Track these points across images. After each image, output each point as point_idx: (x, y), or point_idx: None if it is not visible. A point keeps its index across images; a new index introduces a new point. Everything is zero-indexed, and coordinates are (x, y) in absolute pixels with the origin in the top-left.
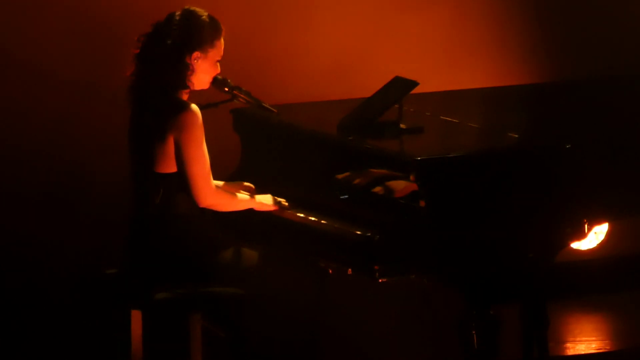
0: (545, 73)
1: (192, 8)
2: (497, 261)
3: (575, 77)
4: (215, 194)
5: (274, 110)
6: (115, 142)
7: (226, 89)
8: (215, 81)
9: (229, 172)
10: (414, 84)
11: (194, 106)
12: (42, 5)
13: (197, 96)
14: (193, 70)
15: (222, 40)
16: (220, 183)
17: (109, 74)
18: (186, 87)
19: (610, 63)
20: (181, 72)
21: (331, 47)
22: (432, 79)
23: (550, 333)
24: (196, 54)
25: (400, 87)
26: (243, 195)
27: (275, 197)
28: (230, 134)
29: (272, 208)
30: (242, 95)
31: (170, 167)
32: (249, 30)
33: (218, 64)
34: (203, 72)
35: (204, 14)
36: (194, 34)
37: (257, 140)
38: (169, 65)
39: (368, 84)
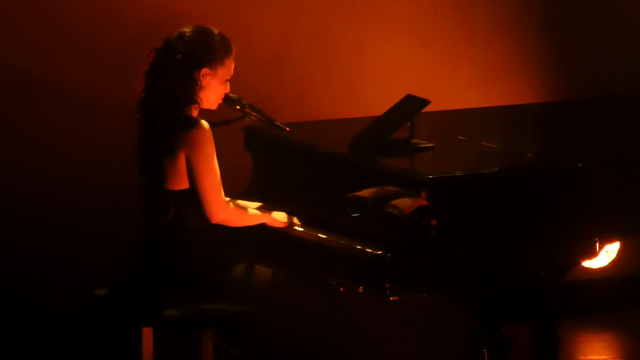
0: (557, 92)
1: (203, 26)
2: (508, 279)
3: (587, 96)
4: (227, 210)
5: (286, 128)
6: (127, 157)
7: (238, 107)
8: (226, 99)
9: (240, 190)
10: (426, 102)
11: (203, 122)
12: (54, 22)
13: (208, 113)
14: (201, 87)
15: (232, 59)
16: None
17: (119, 90)
18: (195, 102)
19: (623, 82)
20: (189, 87)
21: (343, 65)
22: (444, 97)
23: (561, 351)
24: (205, 70)
25: (412, 105)
26: (255, 211)
27: (289, 216)
28: (241, 151)
29: (284, 225)
30: (253, 113)
31: (181, 184)
32: (261, 48)
33: (227, 83)
34: (211, 90)
35: (215, 31)
36: (204, 50)
37: (269, 158)
38: (178, 79)
39: (380, 102)
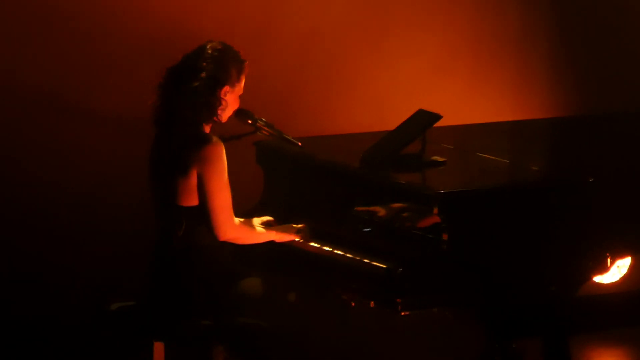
0: (568, 107)
1: (220, 42)
2: (520, 294)
3: (598, 111)
4: (236, 228)
5: (297, 142)
6: (141, 172)
7: (249, 121)
8: (238, 113)
9: (252, 204)
10: (437, 117)
11: (217, 139)
12: (64, 37)
13: (220, 128)
14: (225, 106)
15: (245, 74)
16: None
17: (136, 106)
18: (214, 121)
19: (635, 97)
20: (212, 107)
21: (354, 81)
22: (455, 112)
23: None
24: (226, 88)
25: (423, 120)
26: (262, 229)
27: (295, 225)
28: (253, 166)
29: (293, 238)
30: (265, 128)
31: (193, 200)
32: (278, 64)
33: (239, 98)
34: (228, 106)
35: (233, 49)
36: (226, 69)
37: (280, 173)
38: (202, 99)
39: (391, 117)
